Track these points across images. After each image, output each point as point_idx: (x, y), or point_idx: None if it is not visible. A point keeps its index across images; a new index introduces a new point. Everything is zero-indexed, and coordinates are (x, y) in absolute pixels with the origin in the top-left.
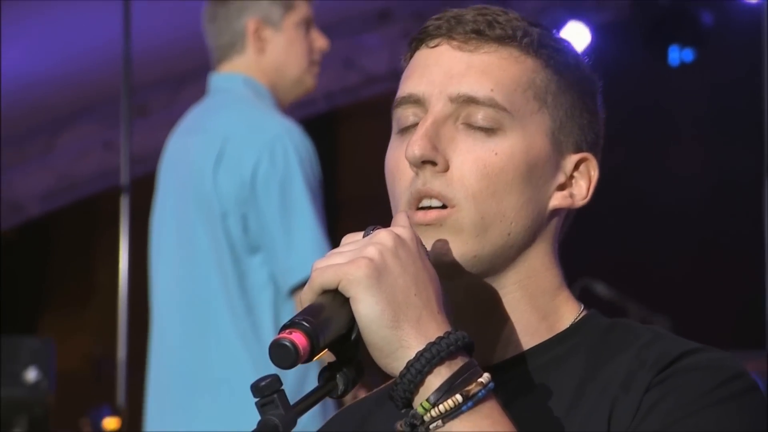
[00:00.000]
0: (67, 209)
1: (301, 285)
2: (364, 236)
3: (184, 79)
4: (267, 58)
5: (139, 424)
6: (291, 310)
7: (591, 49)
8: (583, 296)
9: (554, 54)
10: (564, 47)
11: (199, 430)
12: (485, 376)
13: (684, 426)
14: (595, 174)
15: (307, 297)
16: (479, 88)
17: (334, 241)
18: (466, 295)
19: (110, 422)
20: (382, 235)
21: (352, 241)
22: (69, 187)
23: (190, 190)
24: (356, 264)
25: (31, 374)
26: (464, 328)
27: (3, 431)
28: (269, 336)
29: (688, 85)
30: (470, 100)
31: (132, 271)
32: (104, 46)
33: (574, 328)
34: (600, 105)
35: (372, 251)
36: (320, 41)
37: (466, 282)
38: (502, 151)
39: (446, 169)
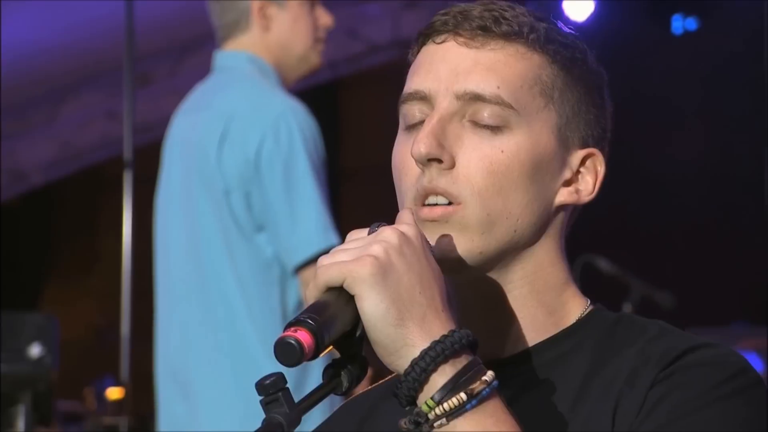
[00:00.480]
0: (70, 178)
1: (305, 264)
2: (369, 233)
3: (188, 48)
4: (272, 35)
5: (142, 395)
6: (297, 287)
7: (595, 18)
8: (585, 272)
9: (561, 49)
10: (571, 42)
11: (206, 407)
12: (489, 374)
13: (689, 422)
14: (601, 169)
15: (312, 294)
16: (486, 86)
17: (338, 211)
18: (472, 290)
19: (113, 392)
20: (387, 233)
21: (357, 237)
22: (72, 156)
23: (194, 168)
24: (361, 262)
25: (35, 350)
26: (471, 323)
27: (6, 407)
28: (277, 312)
29: (692, 54)
30: (476, 98)
31: (135, 239)
32: (107, 15)
33: (580, 323)
34: (607, 99)
35: (377, 249)
36: (325, 18)
37: (473, 277)
38: (508, 148)
39: (452, 166)
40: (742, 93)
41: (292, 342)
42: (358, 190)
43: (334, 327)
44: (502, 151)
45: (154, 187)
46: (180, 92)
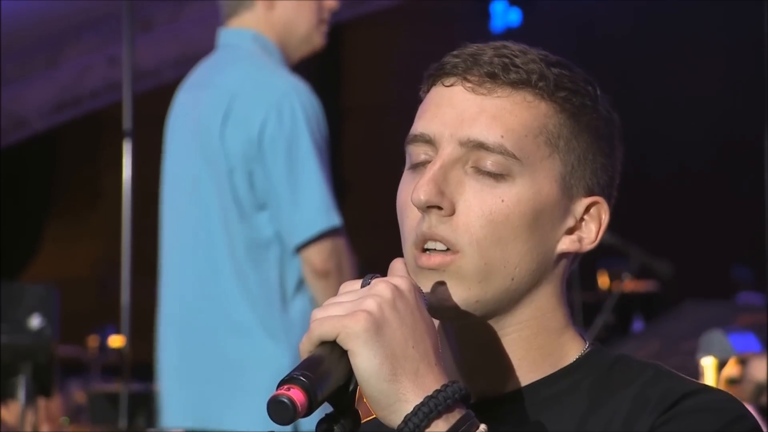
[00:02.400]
0: (72, 120)
1: (307, 243)
2: (362, 285)
3: None
4: (276, 14)
5: (142, 343)
6: (297, 267)
7: None
8: (584, 288)
9: (571, 97)
10: (582, 89)
11: (203, 383)
12: (482, 429)
13: None
14: (605, 217)
15: (305, 348)
16: (489, 134)
17: (339, 153)
18: (469, 334)
19: (115, 340)
20: (380, 287)
21: (350, 290)
22: (73, 101)
23: (197, 145)
24: (355, 317)
25: (35, 321)
26: (467, 362)
27: (7, 378)
28: (275, 292)
29: None
30: (480, 146)
31: (135, 176)
32: None
33: (578, 363)
34: (618, 145)
35: (370, 304)
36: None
37: (469, 323)
38: (509, 198)
39: (452, 213)
40: (744, 46)
41: (285, 401)
42: (359, 129)
43: (327, 383)
44: (503, 200)
45: (153, 126)
46: (180, 38)
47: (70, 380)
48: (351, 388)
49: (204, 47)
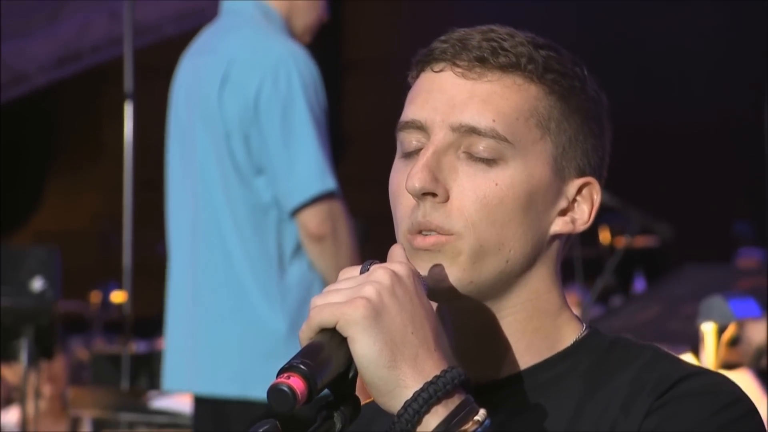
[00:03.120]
0: (72, 74)
1: (301, 207)
2: (361, 272)
3: None
4: None
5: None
6: (295, 231)
7: None
8: (584, 243)
9: (559, 79)
10: (570, 70)
11: (205, 347)
12: (481, 413)
13: None
14: (597, 198)
15: (305, 335)
16: (481, 119)
17: (340, 107)
18: (466, 317)
19: (117, 296)
20: (379, 273)
21: (349, 276)
22: (74, 56)
23: (196, 111)
24: (354, 304)
25: (37, 284)
26: (465, 346)
27: (9, 341)
28: (273, 256)
29: None
30: (472, 130)
31: (137, 130)
32: None
33: (575, 346)
34: (607, 126)
35: (369, 291)
36: None
37: (465, 305)
38: (503, 181)
39: (446, 199)
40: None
41: (285, 389)
42: (361, 83)
43: (327, 370)
44: (496, 184)
45: (155, 80)
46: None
47: (72, 338)
48: (351, 374)
49: (204, 2)
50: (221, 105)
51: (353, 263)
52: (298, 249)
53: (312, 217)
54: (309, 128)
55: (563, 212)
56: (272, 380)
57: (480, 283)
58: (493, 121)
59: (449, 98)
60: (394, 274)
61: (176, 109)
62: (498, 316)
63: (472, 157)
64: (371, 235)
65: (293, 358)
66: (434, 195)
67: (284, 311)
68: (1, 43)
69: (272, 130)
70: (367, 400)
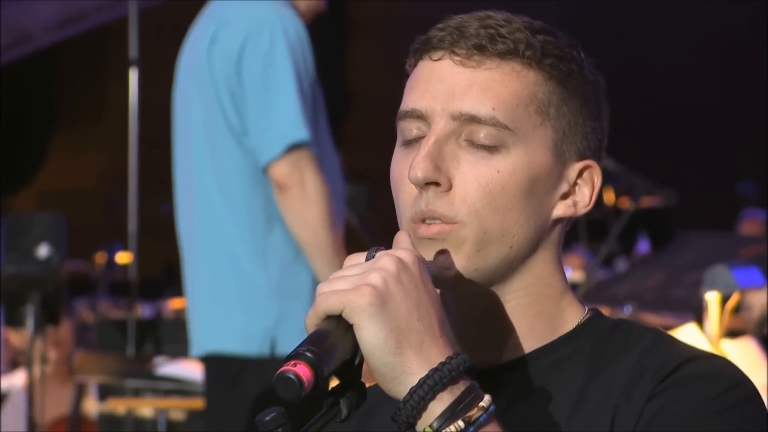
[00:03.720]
0: (77, 35)
1: (274, 161)
2: (367, 258)
3: None
4: None
5: (149, 259)
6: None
7: None
8: None
9: (557, 63)
10: (567, 54)
11: (196, 305)
12: (486, 400)
13: None
14: (598, 180)
15: (311, 321)
16: (481, 107)
17: (345, 66)
18: (470, 302)
19: (122, 256)
20: (384, 261)
21: (355, 263)
22: (78, 16)
23: (192, 72)
24: (360, 292)
25: (43, 250)
26: (468, 331)
27: (15, 307)
28: (259, 214)
29: None
30: (472, 119)
31: (142, 88)
32: None
33: (578, 330)
34: (604, 108)
35: (375, 278)
36: None
37: (469, 291)
38: (504, 168)
39: (449, 188)
40: None
41: (292, 377)
42: (366, 42)
43: (333, 357)
44: (498, 171)
45: (160, 40)
46: None
47: (77, 300)
48: (357, 361)
49: None
50: (210, 65)
51: (323, 219)
52: None
53: (278, 166)
54: (290, 87)
55: (565, 196)
56: (250, 335)
57: (484, 270)
58: (493, 109)
59: (449, 87)
60: (400, 261)
61: (178, 75)
62: (501, 301)
63: (474, 145)
64: (374, 199)
65: (300, 346)
66: (437, 184)
67: (267, 268)
68: (4, 4)
69: (252, 85)
70: (372, 383)
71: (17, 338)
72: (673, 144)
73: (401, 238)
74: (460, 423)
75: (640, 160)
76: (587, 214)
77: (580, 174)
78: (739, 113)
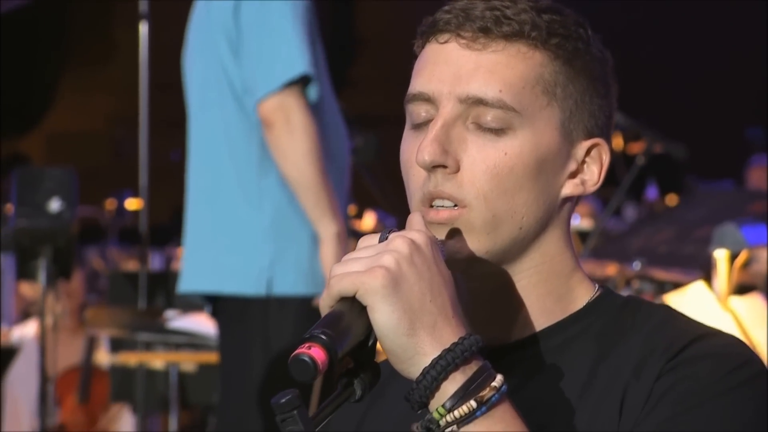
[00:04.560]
0: None
1: (263, 100)
2: (380, 240)
3: None
4: None
5: (159, 205)
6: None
7: None
8: None
9: (563, 43)
10: (573, 32)
11: (192, 246)
12: (498, 379)
13: (694, 415)
14: (606, 158)
15: (325, 303)
16: (488, 90)
17: (352, 5)
18: (480, 283)
19: (132, 203)
20: (397, 243)
21: (368, 245)
22: None
23: (197, 25)
24: (373, 274)
25: (54, 204)
26: (479, 310)
27: (27, 261)
28: (255, 157)
29: None
30: (479, 102)
31: (153, 30)
32: None
33: (588, 308)
34: (612, 84)
35: (388, 260)
36: None
37: (480, 272)
38: (512, 150)
39: (457, 170)
40: None
41: (306, 359)
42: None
43: (347, 339)
44: (506, 154)
45: None
46: None
47: (87, 248)
48: (370, 342)
49: None
50: (209, 16)
51: (309, 155)
52: None
53: (266, 105)
54: (285, 26)
55: (573, 175)
56: (246, 275)
57: (495, 252)
58: (500, 91)
59: (455, 70)
60: (413, 243)
61: (189, 31)
62: (512, 280)
63: (481, 128)
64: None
65: (314, 328)
66: (445, 167)
67: (262, 211)
68: None
69: (248, 28)
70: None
71: (29, 289)
72: (682, 89)
73: (414, 219)
74: (473, 403)
75: (649, 106)
76: None
77: (588, 152)
78: (748, 58)
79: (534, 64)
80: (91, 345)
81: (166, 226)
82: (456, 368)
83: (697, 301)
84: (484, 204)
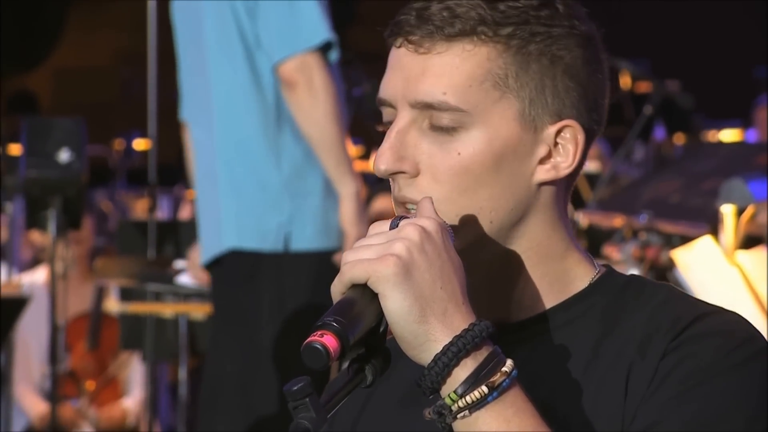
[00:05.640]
0: None
1: (285, 61)
2: (391, 227)
3: None
4: None
5: (167, 144)
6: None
7: None
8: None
9: (516, 31)
10: (531, 17)
11: (216, 206)
12: (509, 364)
13: (699, 392)
14: (581, 137)
15: (337, 289)
16: (434, 93)
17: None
18: (478, 269)
19: (140, 143)
20: (408, 230)
21: (379, 231)
22: None
23: None
24: (385, 261)
25: (64, 155)
26: (479, 295)
27: (37, 212)
28: (271, 113)
29: None
30: (428, 106)
31: None
32: None
33: (591, 288)
34: (592, 60)
35: (399, 248)
36: None
37: (468, 264)
38: (465, 150)
39: (416, 174)
40: None
41: (319, 347)
42: None
43: (359, 326)
44: (459, 153)
45: None
46: None
47: (96, 190)
48: (381, 328)
49: None
50: None
51: (331, 115)
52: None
53: (288, 66)
54: None
55: (544, 160)
56: (264, 231)
57: (472, 247)
58: (444, 94)
59: (405, 75)
60: (423, 230)
61: None
62: (504, 266)
63: (435, 129)
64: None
65: (326, 315)
66: (404, 173)
67: (279, 169)
68: None
69: None
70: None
71: (39, 237)
72: (690, 29)
73: (424, 205)
74: (484, 388)
75: (656, 46)
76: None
77: (558, 133)
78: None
79: (481, 60)
80: (101, 294)
81: (174, 167)
82: (467, 354)
83: (704, 256)
84: (446, 206)
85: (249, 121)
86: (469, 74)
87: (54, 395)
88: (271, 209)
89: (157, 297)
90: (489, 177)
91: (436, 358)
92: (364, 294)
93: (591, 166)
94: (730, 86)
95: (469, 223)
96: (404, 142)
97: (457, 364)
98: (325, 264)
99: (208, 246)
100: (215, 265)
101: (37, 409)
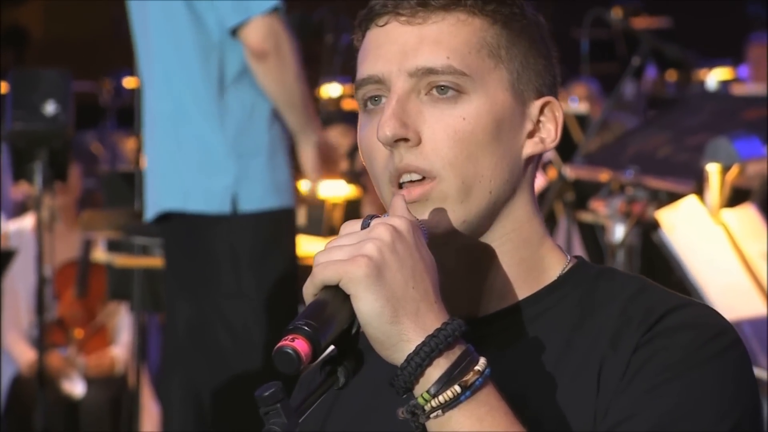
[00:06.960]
0: None
1: (248, 26)
2: (362, 226)
3: None
4: None
5: None
6: (239, 55)
7: None
8: (596, 25)
9: (499, 8)
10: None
11: (155, 169)
12: (481, 363)
13: (672, 386)
14: (560, 114)
15: (309, 291)
16: (436, 59)
17: None
18: (456, 257)
19: (130, 81)
20: (379, 230)
21: (350, 232)
22: None
23: None
24: (356, 263)
25: (50, 107)
26: (454, 284)
27: (23, 164)
28: (213, 80)
29: None
30: (429, 72)
31: None
32: None
33: (563, 278)
34: (551, 46)
35: (371, 248)
36: None
37: (458, 245)
38: (469, 114)
39: (419, 142)
40: None
41: (290, 352)
42: None
43: (331, 328)
44: (464, 118)
45: None
46: None
47: (85, 132)
48: (354, 330)
49: None
50: None
51: (298, 77)
52: (241, 73)
53: (254, 32)
54: None
55: (531, 134)
56: (211, 194)
57: (471, 220)
58: (448, 58)
59: (400, 47)
60: (395, 230)
61: None
62: (486, 250)
63: (436, 97)
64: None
65: (297, 319)
66: (407, 140)
67: (224, 131)
68: None
69: None
70: None
71: (27, 188)
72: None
73: (397, 203)
74: (457, 388)
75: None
76: (592, 34)
77: (541, 111)
78: None
79: (475, 29)
80: (88, 246)
81: None
82: (440, 354)
83: (689, 216)
84: (452, 172)
85: (192, 84)
86: (466, 41)
87: (41, 344)
88: (216, 171)
89: (144, 250)
90: (490, 144)
91: (409, 358)
92: (336, 295)
93: (581, 107)
94: (723, 23)
95: (473, 190)
96: (406, 109)
97: (429, 364)
98: (276, 222)
99: (152, 203)
100: (164, 223)
101: (26, 357)
